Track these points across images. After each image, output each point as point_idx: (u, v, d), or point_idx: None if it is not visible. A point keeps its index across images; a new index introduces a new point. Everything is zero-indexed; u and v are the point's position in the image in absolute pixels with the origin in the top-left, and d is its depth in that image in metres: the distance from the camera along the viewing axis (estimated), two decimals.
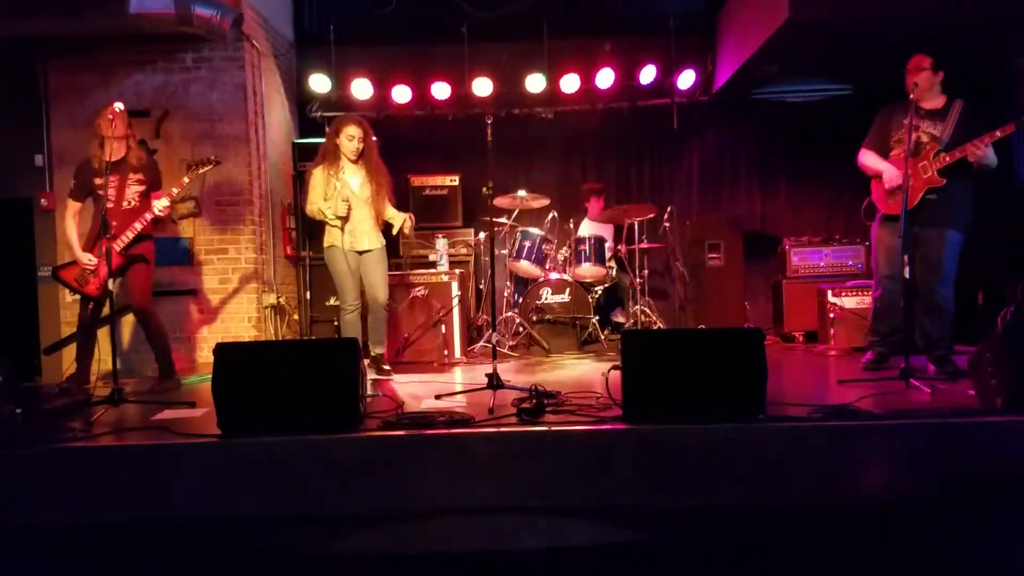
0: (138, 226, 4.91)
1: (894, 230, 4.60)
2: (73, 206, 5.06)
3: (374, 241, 5.27)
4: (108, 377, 4.41)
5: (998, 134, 4.41)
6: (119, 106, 4.69)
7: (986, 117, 4.55)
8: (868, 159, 4.92)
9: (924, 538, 3.14)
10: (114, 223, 4.62)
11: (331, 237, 5.22)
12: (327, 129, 7.73)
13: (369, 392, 4.17)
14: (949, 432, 3.18)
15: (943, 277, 4.63)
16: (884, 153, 4.86)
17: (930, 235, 4.61)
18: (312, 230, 7.06)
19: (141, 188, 5.02)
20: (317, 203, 5.13)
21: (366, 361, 5.01)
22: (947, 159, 4.51)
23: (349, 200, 5.09)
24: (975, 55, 6.71)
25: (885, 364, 4.83)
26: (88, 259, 4.89)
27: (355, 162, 5.20)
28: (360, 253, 5.23)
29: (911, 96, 4.47)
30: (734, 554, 3.23)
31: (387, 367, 5.38)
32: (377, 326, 5.38)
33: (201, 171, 5.13)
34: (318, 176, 5.17)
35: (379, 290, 5.28)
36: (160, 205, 4.95)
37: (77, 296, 5.08)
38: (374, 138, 5.35)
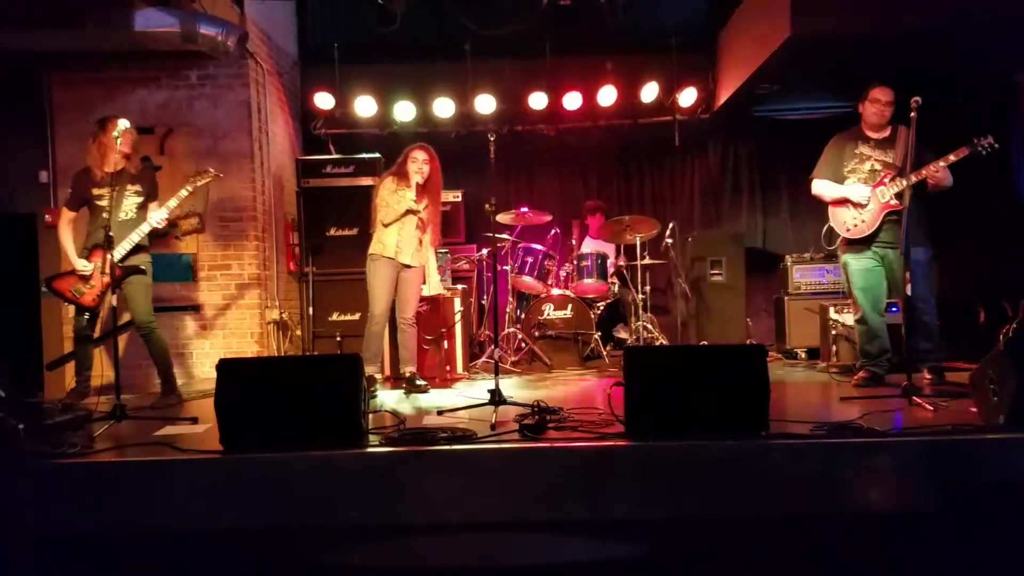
0: (135, 238, 4.92)
1: (862, 254, 4.91)
2: (67, 215, 5.07)
3: (416, 259, 5.39)
4: (110, 392, 4.41)
5: (952, 158, 4.61)
6: (124, 123, 4.70)
7: (929, 140, 4.70)
8: (826, 188, 5.06)
9: (926, 553, 3.12)
10: (111, 234, 4.63)
11: (379, 246, 5.31)
12: (331, 147, 7.90)
13: (372, 408, 4.17)
14: (951, 449, 3.17)
15: (922, 293, 4.78)
16: (837, 183, 5.01)
17: (897, 256, 4.72)
18: (315, 246, 7.08)
19: (139, 200, 5.04)
20: (383, 211, 5.31)
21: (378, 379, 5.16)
22: (903, 183, 4.60)
23: (412, 207, 5.27)
24: (974, 70, 6.75)
25: (879, 383, 4.87)
26: (83, 265, 4.90)
27: (420, 184, 5.32)
28: (405, 268, 5.35)
29: (866, 122, 4.86)
30: (736, 570, 3.22)
31: (421, 382, 5.38)
32: (407, 343, 5.44)
33: (200, 183, 5.15)
34: (386, 189, 5.36)
35: (409, 306, 5.41)
36: (158, 217, 4.96)
37: (73, 307, 5.09)
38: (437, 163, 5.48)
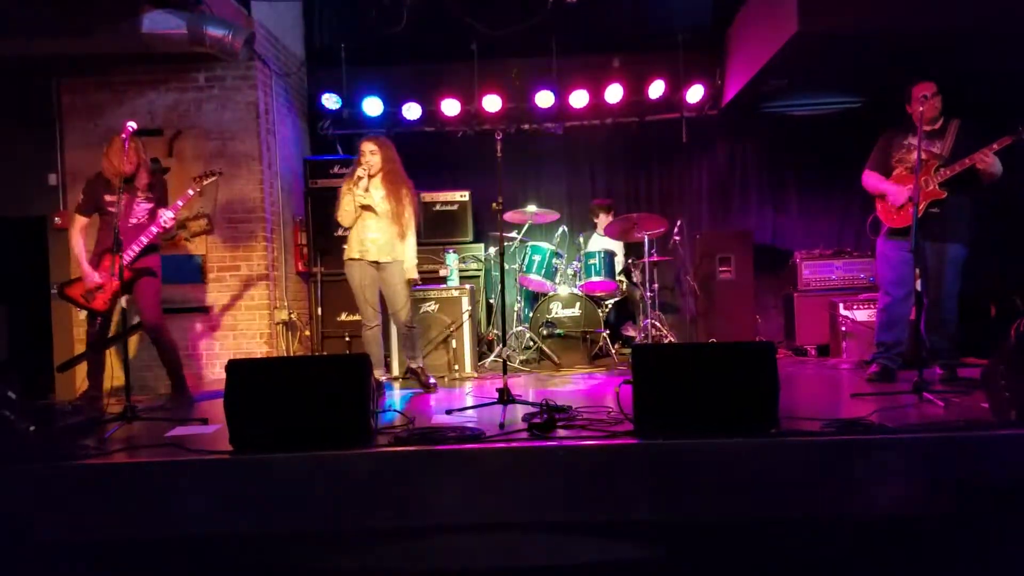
0: (144, 239, 4.95)
1: (899, 244, 4.86)
2: (80, 221, 5.11)
3: (390, 255, 5.22)
4: (121, 394, 4.43)
5: (996, 147, 4.58)
6: (132, 125, 4.70)
7: (981, 133, 4.69)
8: (872, 180, 5.09)
9: (937, 551, 3.11)
10: (121, 238, 4.65)
11: (348, 249, 5.27)
12: (338, 147, 7.91)
13: (380, 408, 4.17)
14: (962, 445, 3.15)
15: (946, 291, 4.77)
16: (886, 174, 5.02)
17: (933, 249, 4.75)
18: (323, 246, 7.10)
19: (149, 205, 5.07)
20: (339, 213, 5.22)
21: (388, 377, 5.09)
22: (947, 173, 4.68)
23: (362, 202, 5.14)
24: (984, 68, 6.70)
25: (890, 379, 4.85)
26: (93, 279, 4.94)
27: (377, 176, 5.20)
28: (378, 265, 5.23)
29: (917, 119, 4.59)
30: (747, 568, 3.21)
31: (432, 381, 5.36)
32: (407, 341, 5.41)
33: (205, 182, 5.17)
34: (344, 189, 5.25)
35: (400, 308, 5.28)
36: (166, 216, 4.99)
37: (85, 312, 5.12)
38: (395, 156, 5.34)
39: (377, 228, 5.21)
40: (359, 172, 5.16)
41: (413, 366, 5.43)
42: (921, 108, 4.56)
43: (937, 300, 4.75)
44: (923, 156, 4.80)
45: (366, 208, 5.19)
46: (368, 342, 5.30)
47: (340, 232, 7.05)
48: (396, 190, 5.22)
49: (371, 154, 5.18)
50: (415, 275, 5.39)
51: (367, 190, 5.17)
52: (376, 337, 5.33)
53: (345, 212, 5.19)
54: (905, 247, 4.79)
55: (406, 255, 5.30)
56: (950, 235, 4.74)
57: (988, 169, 4.63)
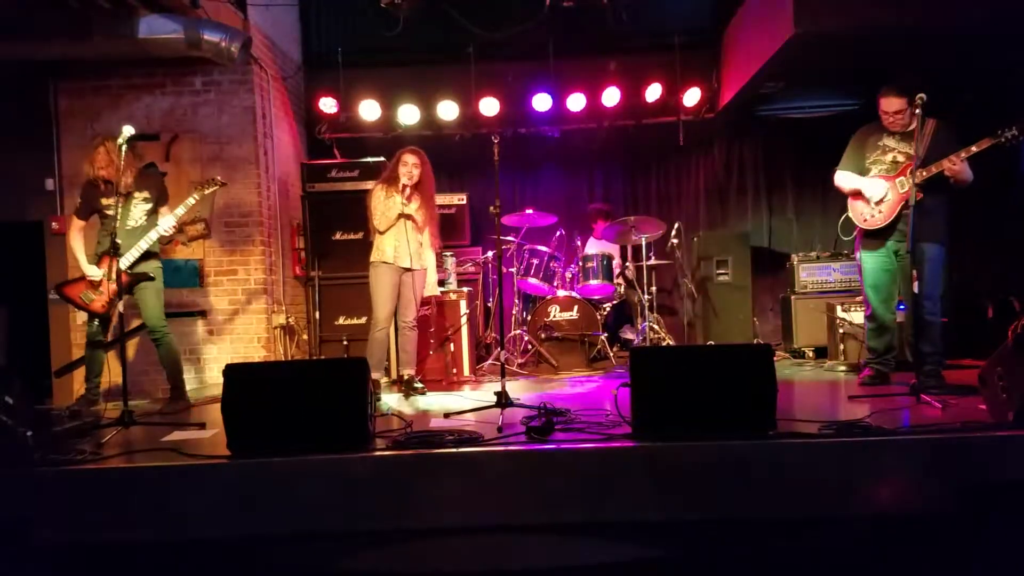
0: (143, 245, 4.94)
1: (875, 252, 4.88)
2: (77, 224, 5.11)
3: (417, 262, 5.37)
4: (118, 398, 4.42)
5: (973, 149, 4.50)
6: (129, 129, 4.67)
7: (958, 134, 4.63)
8: (845, 179, 4.99)
9: (935, 552, 3.11)
10: (119, 242, 4.64)
11: (379, 253, 5.33)
12: (336, 151, 7.92)
13: (379, 411, 4.17)
14: (960, 447, 3.16)
15: (927, 292, 4.65)
16: (860, 174, 4.93)
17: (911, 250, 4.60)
18: (321, 250, 7.08)
19: (148, 206, 5.06)
20: (378, 218, 5.32)
21: (382, 383, 5.10)
22: (923, 174, 4.56)
23: (405, 212, 5.27)
24: (977, 65, 6.72)
25: (885, 382, 4.83)
26: (93, 271, 4.93)
27: (412, 187, 5.31)
28: (406, 271, 5.34)
29: (888, 124, 4.67)
30: (745, 571, 3.21)
31: (419, 385, 5.39)
32: (406, 346, 5.47)
33: (207, 191, 5.17)
34: (377, 196, 5.36)
35: (410, 309, 5.40)
36: (165, 224, 4.98)
37: (85, 315, 5.12)
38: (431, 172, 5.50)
39: (412, 237, 5.34)
40: (404, 180, 5.26)
41: (405, 373, 5.45)
42: (887, 120, 4.63)
43: (917, 301, 4.56)
44: (899, 158, 4.79)
45: (406, 217, 5.29)
46: (376, 342, 5.33)
47: (338, 236, 7.05)
48: (428, 203, 5.41)
49: (414, 167, 5.29)
50: (437, 292, 5.76)
51: (409, 199, 5.29)
52: (385, 340, 5.42)
53: (385, 218, 5.29)
54: (881, 252, 4.84)
55: (428, 268, 5.54)
56: (927, 235, 4.59)
57: (957, 176, 4.57)
